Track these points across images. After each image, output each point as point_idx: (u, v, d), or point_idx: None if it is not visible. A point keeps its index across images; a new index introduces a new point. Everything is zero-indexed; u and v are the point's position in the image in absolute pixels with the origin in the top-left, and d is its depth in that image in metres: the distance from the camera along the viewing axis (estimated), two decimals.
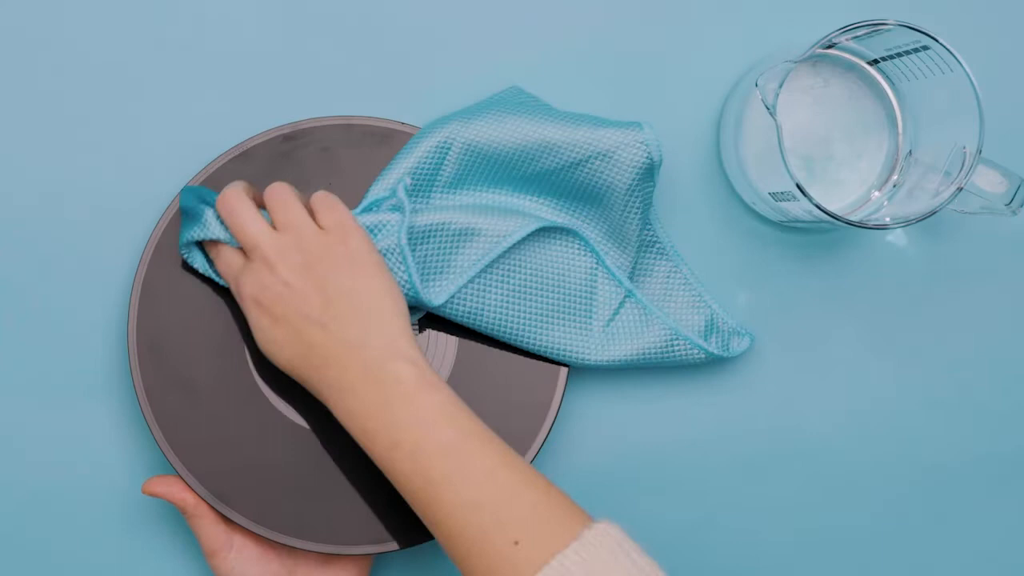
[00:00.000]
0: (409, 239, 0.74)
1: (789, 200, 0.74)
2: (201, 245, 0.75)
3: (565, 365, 0.78)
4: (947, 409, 0.82)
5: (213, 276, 0.75)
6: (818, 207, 0.71)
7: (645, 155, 0.75)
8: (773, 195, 0.76)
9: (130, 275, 0.79)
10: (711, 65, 0.80)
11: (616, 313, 0.79)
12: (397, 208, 0.75)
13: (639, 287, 0.80)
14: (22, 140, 0.79)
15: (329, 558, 0.76)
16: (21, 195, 0.79)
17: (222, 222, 0.73)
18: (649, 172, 0.76)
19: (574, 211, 0.79)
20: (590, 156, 0.76)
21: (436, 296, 0.75)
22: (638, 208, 0.77)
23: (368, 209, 0.75)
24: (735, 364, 0.81)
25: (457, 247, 0.76)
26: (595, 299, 0.78)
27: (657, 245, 0.80)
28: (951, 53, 0.71)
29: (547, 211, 0.79)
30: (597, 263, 0.78)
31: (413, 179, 0.76)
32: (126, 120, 0.79)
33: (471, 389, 0.76)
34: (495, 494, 0.65)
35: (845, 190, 0.79)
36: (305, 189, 0.76)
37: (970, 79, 0.71)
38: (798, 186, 0.71)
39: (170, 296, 0.76)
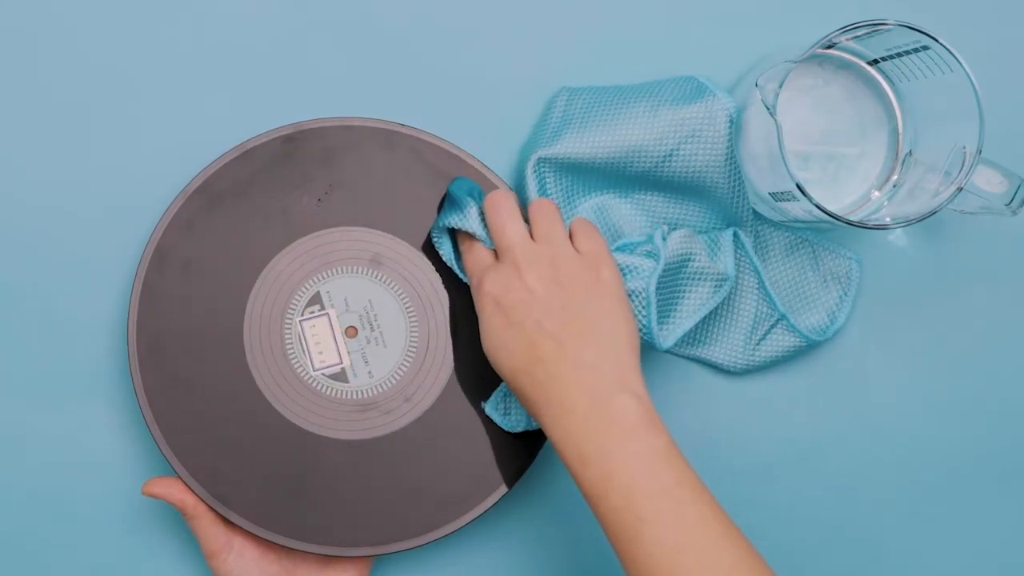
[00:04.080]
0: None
1: (789, 200, 0.74)
2: (453, 236, 0.76)
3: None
4: (947, 409, 0.82)
5: (455, 268, 0.76)
6: (818, 207, 0.71)
7: (728, 121, 0.75)
8: (773, 195, 0.76)
9: (130, 275, 0.79)
10: (711, 65, 0.80)
11: (768, 333, 0.80)
12: (651, 255, 0.75)
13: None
14: (22, 140, 0.79)
15: (329, 560, 0.76)
16: (21, 195, 0.79)
17: (483, 220, 0.73)
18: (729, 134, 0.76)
19: (689, 205, 0.79)
20: (679, 143, 0.76)
21: (665, 339, 0.76)
22: (739, 174, 0.77)
23: (622, 249, 0.76)
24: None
25: (688, 290, 0.77)
26: (755, 319, 0.80)
27: None
28: (951, 53, 0.71)
29: (674, 209, 0.79)
30: (760, 286, 0.79)
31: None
32: (126, 120, 0.79)
33: (476, 370, 0.76)
34: (700, 544, 0.65)
35: (845, 190, 0.79)
36: (306, 190, 0.76)
37: (970, 79, 0.71)
38: (798, 186, 0.71)
39: (170, 296, 0.76)
